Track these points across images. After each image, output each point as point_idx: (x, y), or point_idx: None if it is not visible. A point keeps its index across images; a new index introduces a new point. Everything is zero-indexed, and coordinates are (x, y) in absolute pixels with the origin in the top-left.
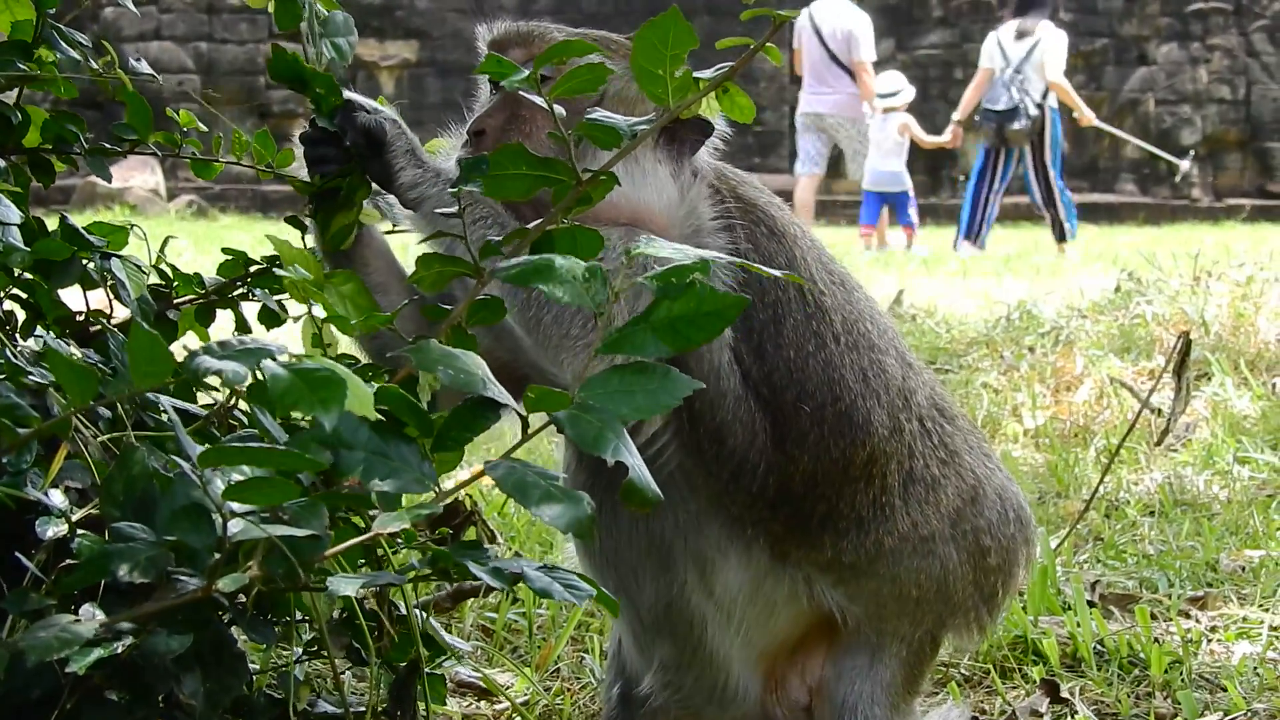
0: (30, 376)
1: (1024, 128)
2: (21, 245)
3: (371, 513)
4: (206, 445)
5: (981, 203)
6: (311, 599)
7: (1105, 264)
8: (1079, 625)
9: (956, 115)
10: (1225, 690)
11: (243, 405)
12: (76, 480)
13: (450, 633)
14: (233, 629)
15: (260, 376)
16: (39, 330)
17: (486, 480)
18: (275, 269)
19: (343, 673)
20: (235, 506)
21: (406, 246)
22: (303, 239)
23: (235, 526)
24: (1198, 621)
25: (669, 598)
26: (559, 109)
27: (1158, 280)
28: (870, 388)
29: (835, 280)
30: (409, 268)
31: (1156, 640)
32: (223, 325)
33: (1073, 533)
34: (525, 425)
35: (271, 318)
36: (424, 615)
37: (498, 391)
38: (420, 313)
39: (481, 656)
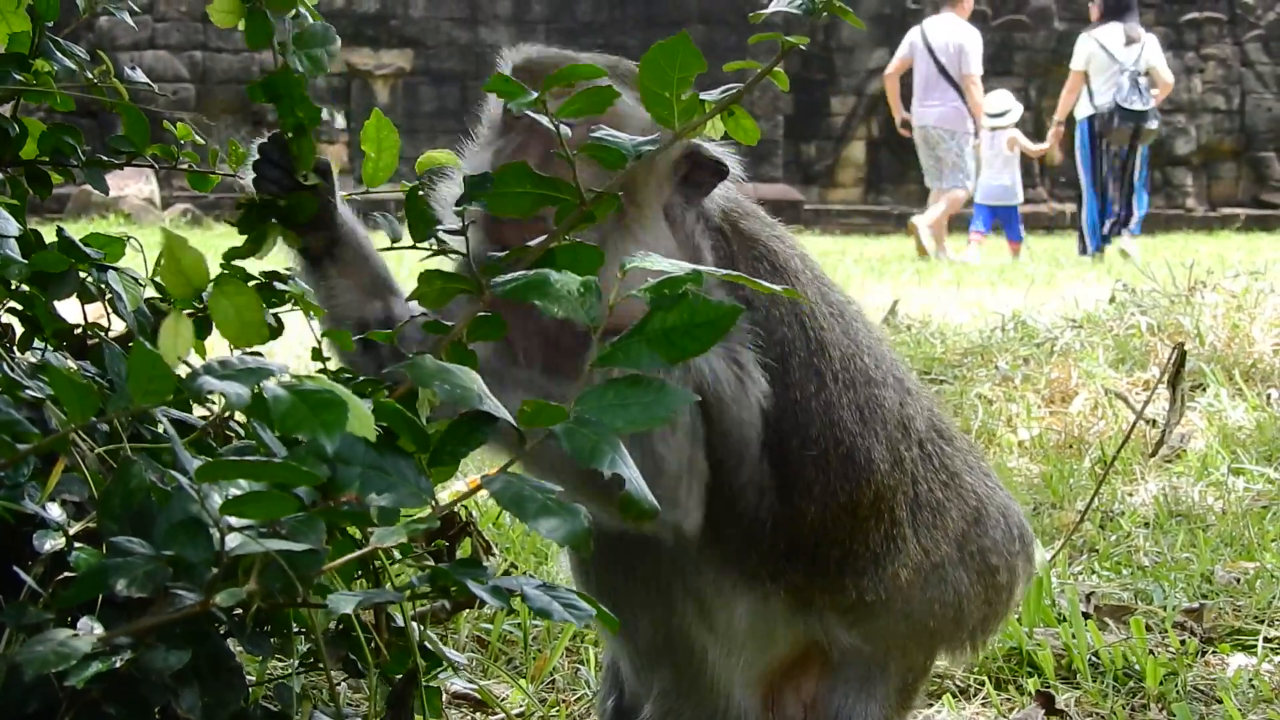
0: (28, 390)
1: (1158, 127)
2: (19, 257)
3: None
4: (204, 459)
5: (1116, 198)
6: (309, 612)
7: (1100, 274)
8: (1074, 637)
9: (1057, 118)
10: (1220, 702)
11: (239, 416)
12: (74, 493)
13: (446, 644)
14: (230, 642)
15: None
16: (37, 343)
17: (482, 491)
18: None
19: (339, 684)
20: (233, 521)
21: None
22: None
23: (233, 541)
24: (1193, 633)
25: (667, 631)
26: (565, 129)
27: (1152, 291)
28: (869, 426)
29: (835, 312)
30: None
31: (1152, 652)
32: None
33: (1068, 544)
34: (521, 440)
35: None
36: (420, 627)
37: (493, 406)
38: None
39: (477, 668)
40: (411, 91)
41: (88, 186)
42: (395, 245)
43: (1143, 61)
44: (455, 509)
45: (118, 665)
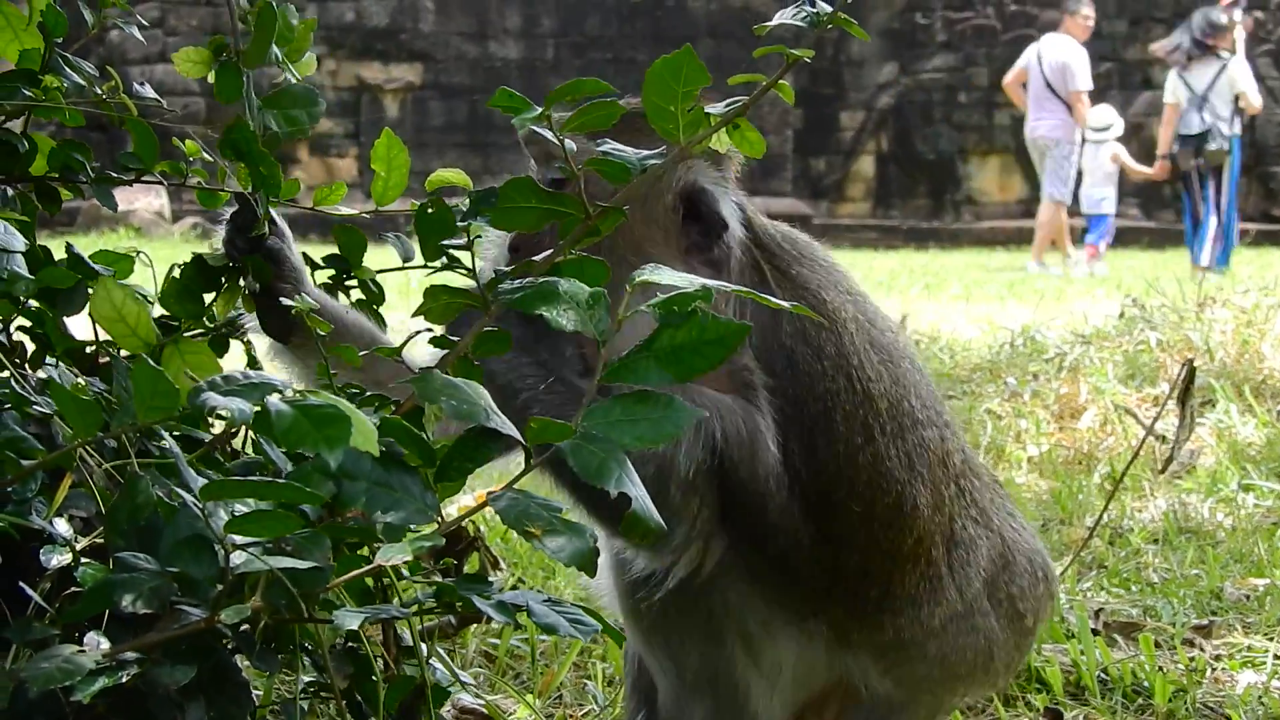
0: (35, 406)
1: (1220, 147)
2: (26, 274)
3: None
4: (210, 475)
5: (1207, 224)
6: (316, 628)
7: (1109, 289)
8: (1083, 653)
9: (1160, 151)
10: (1230, 719)
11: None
12: (81, 509)
13: (453, 659)
14: (236, 657)
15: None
16: (48, 359)
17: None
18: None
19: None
20: (238, 538)
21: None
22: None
23: (238, 558)
24: (1202, 650)
25: (714, 665)
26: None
27: (1162, 306)
28: (915, 471)
29: (884, 357)
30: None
31: (1161, 669)
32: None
33: (1076, 560)
34: (528, 456)
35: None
36: (428, 643)
37: (500, 422)
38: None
39: (484, 683)
40: (421, 106)
41: (99, 202)
42: (406, 265)
43: (1219, 85)
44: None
45: (124, 681)
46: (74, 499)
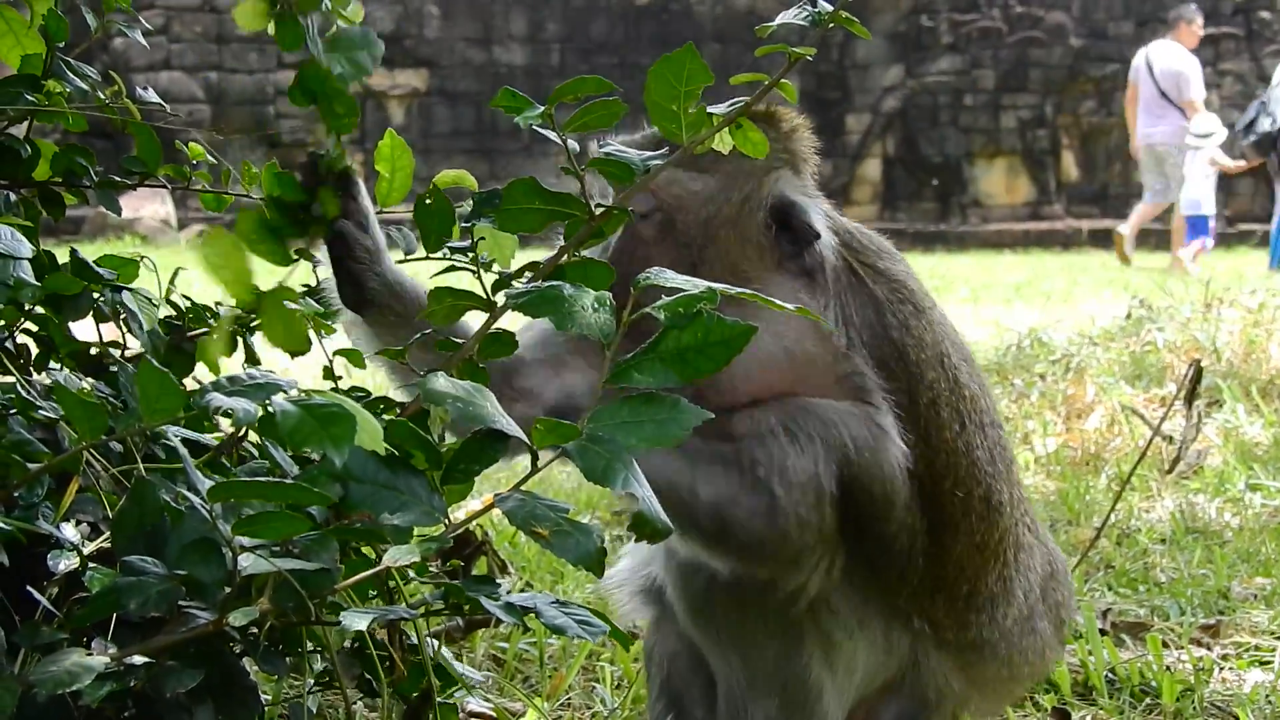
0: (41, 411)
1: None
2: (32, 280)
3: (382, 545)
4: (217, 478)
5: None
6: (323, 630)
7: (1116, 290)
8: (1090, 653)
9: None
10: (1237, 718)
11: (252, 435)
12: (88, 513)
13: (462, 662)
14: (244, 660)
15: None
16: (52, 364)
17: (497, 510)
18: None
19: (355, 703)
20: (245, 541)
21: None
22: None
23: (246, 560)
24: (1209, 649)
25: (788, 669)
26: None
27: (1169, 307)
28: (997, 465)
29: (962, 355)
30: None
31: (1168, 668)
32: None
33: (1084, 560)
34: (535, 458)
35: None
36: (435, 645)
37: (506, 424)
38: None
39: (492, 686)
40: (426, 111)
41: (103, 208)
42: (409, 258)
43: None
44: (470, 527)
45: (132, 684)
46: (81, 503)
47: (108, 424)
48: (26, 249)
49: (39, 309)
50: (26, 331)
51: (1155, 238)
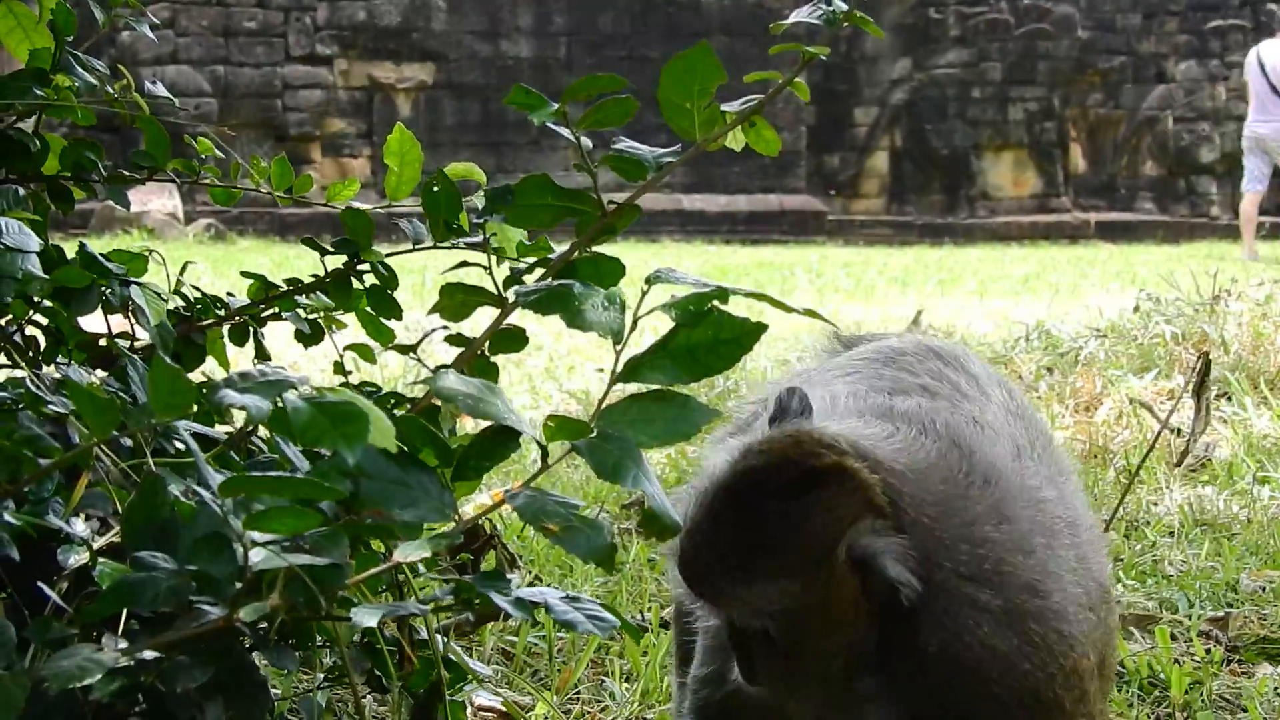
0: (50, 405)
1: None
2: (41, 273)
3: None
4: (227, 473)
5: None
6: (333, 625)
7: (1124, 283)
8: None
9: None
10: (1246, 711)
11: (261, 430)
12: (98, 508)
13: (471, 656)
14: (255, 656)
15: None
16: (60, 357)
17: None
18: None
19: (364, 698)
20: (256, 536)
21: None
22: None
23: (257, 556)
24: (1218, 642)
25: None
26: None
27: (1176, 300)
28: None
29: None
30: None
31: (1177, 661)
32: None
33: None
34: (545, 454)
35: (308, 338)
36: (445, 640)
37: (517, 420)
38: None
39: (502, 680)
40: (434, 105)
41: (111, 202)
42: (417, 248)
43: None
44: (479, 522)
45: (142, 680)
46: (90, 499)
47: (119, 419)
48: (35, 243)
49: (47, 303)
50: (35, 324)
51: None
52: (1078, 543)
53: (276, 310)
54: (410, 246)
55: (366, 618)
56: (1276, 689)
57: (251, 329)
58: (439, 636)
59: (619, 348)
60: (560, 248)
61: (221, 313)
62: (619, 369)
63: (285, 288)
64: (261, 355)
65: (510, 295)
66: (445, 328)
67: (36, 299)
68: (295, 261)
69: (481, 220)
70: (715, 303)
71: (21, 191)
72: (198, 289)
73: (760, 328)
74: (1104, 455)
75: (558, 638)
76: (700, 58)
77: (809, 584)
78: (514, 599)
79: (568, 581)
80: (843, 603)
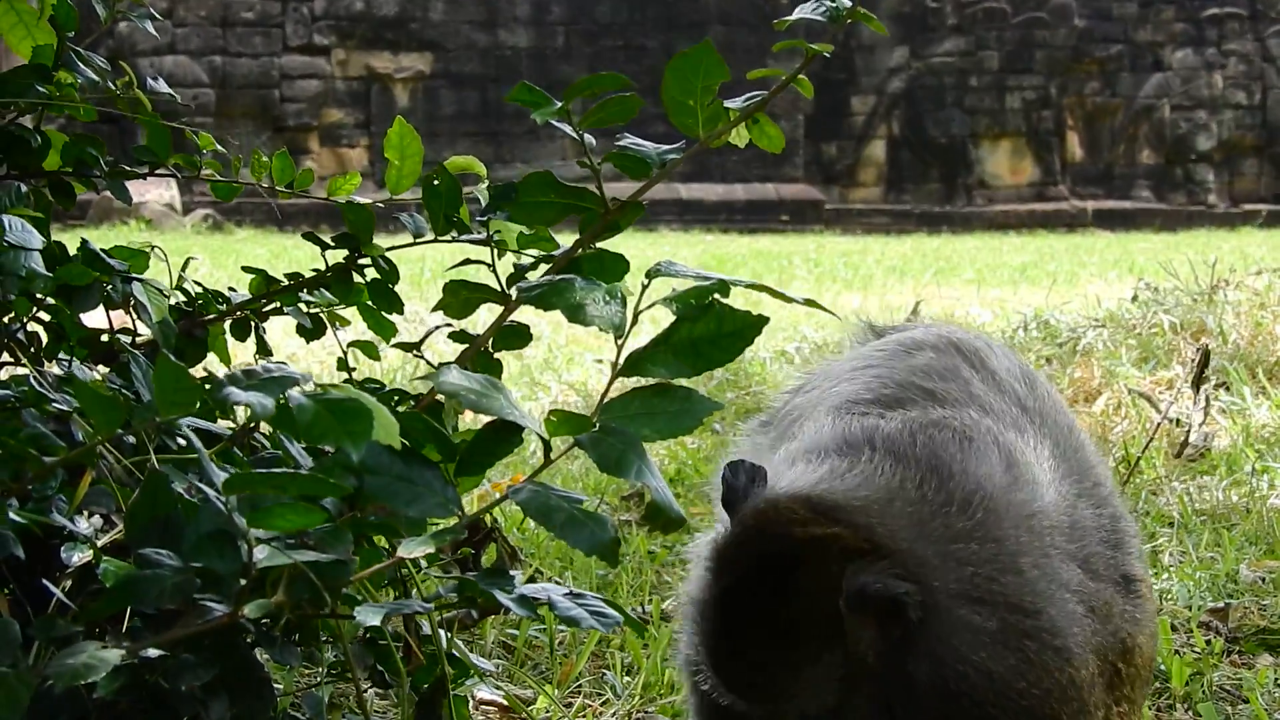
0: (55, 403)
1: None
2: (44, 271)
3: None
4: (230, 470)
5: None
6: (336, 622)
7: (1121, 271)
8: None
9: None
10: (1247, 702)
11: (264, 426)
12: (102, 506)
13: (472, 650)
14: (258, 652)
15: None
16: (62, 354)
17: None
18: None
19: (367, 693)
20: (260, 532)
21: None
22: (323, 254)
23: (261, 552)
24: (1219, 633)
25: None
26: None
27: (1175, 289)
28: None
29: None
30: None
31: (1177, 652)
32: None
33: None
34: (548, 449)
35: (310, 333)
36: (448, 635)
37: (519, 415)
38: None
39: (503, 674)
40: (431, 95)
41: (109, 193)
42: (418, 241)
43: None
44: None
45: (146, 677)
46: (94, 496)
47: (124, 417)
48: (37, 240)
49: (50, 300)
50: (37, 320)
51: None
52: (1082, 546)
53: (278, 305)
54: (410, 240)
55: (370, 617)
56: (1277, 679)
57: (253, 324)
58: (442, 632)
59: (620, 341)
60: (562, 239)
61: (223, 308)
62: (620, 363)
63: (286, 282)
64: (263, 350)
65: (513, 292)
66: (448, 324)
67: (40, 296)
68: (293, 252)
69: (485, 218)
70: (716, 296)
71: (24, 188)
72: (199, 284)
73: (761, 320)
74: (1103, 445)
75: (559, 632)
76: (704, 55)
77: (838, 645)
78: (517, 596)
79: (568, 574)
80: (869, 643)
